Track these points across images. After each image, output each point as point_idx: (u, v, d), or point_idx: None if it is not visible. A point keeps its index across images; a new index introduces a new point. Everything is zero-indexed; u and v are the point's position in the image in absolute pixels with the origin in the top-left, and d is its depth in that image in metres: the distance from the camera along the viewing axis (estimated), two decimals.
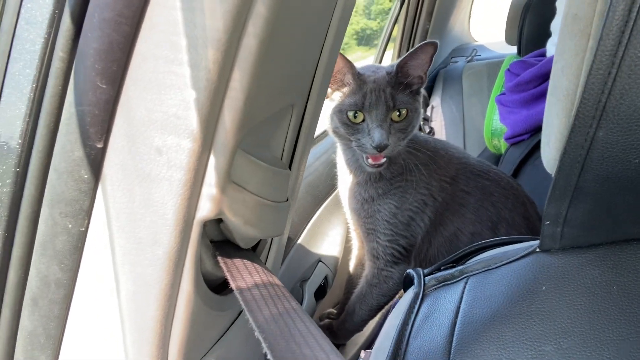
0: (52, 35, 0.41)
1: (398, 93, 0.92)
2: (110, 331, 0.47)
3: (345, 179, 1.08)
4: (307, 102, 0.58)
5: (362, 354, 0.58)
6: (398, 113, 0.92)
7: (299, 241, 1.17)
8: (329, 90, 0.96)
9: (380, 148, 0.89)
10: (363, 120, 0.92)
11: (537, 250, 0.42)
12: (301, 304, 1.12)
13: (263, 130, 0.51)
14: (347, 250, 1.34)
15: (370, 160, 0.94)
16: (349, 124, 0.93)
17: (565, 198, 0.35)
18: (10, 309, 0.47)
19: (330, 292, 1.32)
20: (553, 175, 0.35)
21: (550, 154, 0.38)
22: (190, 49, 0.39)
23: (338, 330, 1.20)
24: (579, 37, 0.33)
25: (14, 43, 0.42)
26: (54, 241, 0.44)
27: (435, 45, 0.91)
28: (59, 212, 0.44)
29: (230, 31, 0.39)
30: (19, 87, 0.42)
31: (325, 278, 1.23)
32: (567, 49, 0.34)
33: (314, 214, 1.26)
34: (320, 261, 1.22)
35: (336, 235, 1.31)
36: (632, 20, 0.27)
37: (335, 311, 1.33)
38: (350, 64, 0.91)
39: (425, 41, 0.90)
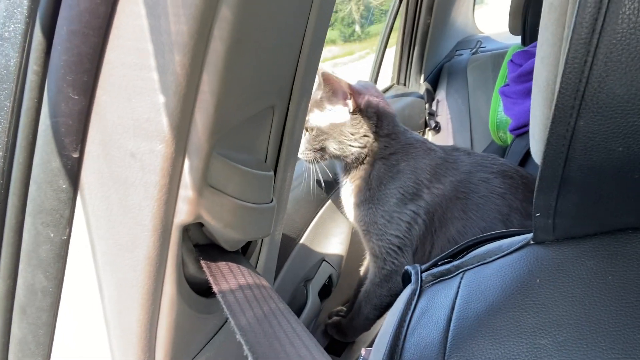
0: (25, 50, 0.42)
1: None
2: (97, 336, 0.48)
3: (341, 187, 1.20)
4: (288, 103, 0.58)
5: (363, 351, 0.59)
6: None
7: (302, 240, 1.17)
8: None
9: None
10: None
11: (531, 242, 0.41)
12: (305, 303, 1.13)
13: (242, 133, 0.51)
14: (352, 248, 1.34)
15: None
16: None
17: (553, 189, 0.35)
18: (1, 318, 0.48)
19: (339, 290, 1.32)
20: (540, 167, 0.35)
21: (536, 145, 0.37)
22: (157, 54, 0.40)
23: (346, 329, 1.21)
24: (555, 26, 0.32)
25: None
26: (38, 250, 0.45)
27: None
28: (41, 221, 0.45)
29: (195, 36, 0.39)
30: None
31: (330, 277, 1.23)
32: (545, 39, 0.34)
33: (317, 212, 1.26)
34: (324, 260, 1.23)
35: (341, 234, 1.31)
36: (604, 7, 0.27)
37: (344, 309, 1.33)
38: None
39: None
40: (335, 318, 1.27)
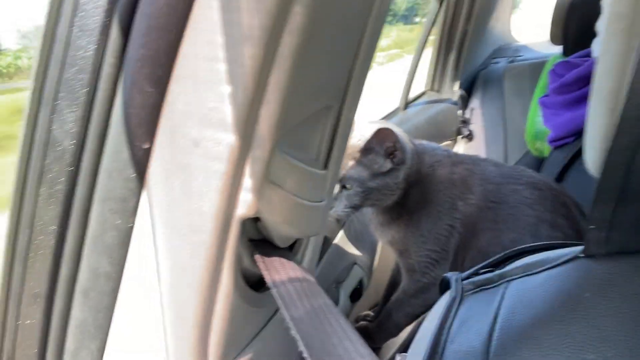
0: (103, 42, 0.44)
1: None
2: (153, 323, 0.49)
3: (371, 220, 1.17)
4: (342, 104, 0.58)
5: (398, 357, 0.58)
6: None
7: (336, 241, 1.18)
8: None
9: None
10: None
11: (581, 255, 0.41)
12: (336, 305, 1.13)
13: (301, 131, 0.52)
14: (381, 254, 1.34)
15: None
16: None
17: (610, 201, 0.34)
18: (62, 300, 0.50)
19: (366, 295, 1.32)
20: (598, 178, 0.34)
21: (593, 156, 0.37)
22: (227, 46, 0.41)
23: (374, 334, 1.20)
24: (622, 36, 0.32)
25: (68, 50, 0.44)
26: (104, 236, 0.47)
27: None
28: (109, 209, 0.46)
29: (267, 29, 0.40)
30: (73, 91, 0.45)
31: (361, 281, 1.23)
32: (611, 48, 0.33)
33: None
34: (356, 264, 1.23)
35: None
36: None
37: (372, 313, 1.33)
38: None
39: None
40: (362, 323, 1.27)
